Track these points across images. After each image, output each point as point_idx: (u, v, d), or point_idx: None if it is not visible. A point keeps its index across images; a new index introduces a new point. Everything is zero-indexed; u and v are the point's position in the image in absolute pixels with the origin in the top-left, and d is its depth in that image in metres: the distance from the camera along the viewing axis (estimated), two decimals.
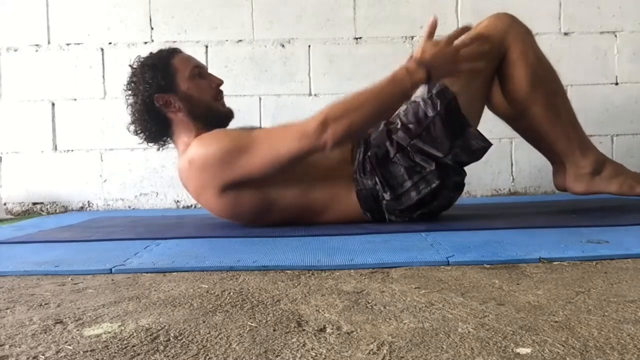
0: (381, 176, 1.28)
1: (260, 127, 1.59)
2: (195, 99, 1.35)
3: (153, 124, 1.36)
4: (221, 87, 1.41)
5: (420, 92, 1.30)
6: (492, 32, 1.27)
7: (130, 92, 1.36)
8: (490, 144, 1.31)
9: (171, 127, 1.37)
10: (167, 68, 1.34)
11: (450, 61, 1.19)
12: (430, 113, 1.26)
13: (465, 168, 1.37)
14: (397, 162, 1.27)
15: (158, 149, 1.45)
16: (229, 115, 1.41)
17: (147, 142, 1.40)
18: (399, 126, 1.30)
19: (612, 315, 0.59)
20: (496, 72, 1.33)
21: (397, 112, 1.35)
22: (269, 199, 1.30)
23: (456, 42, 1.21)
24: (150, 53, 1.39)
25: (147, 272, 0.90)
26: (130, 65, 1.38)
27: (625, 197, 1.41)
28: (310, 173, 1.29)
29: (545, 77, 1.31)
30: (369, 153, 1.31)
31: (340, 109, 1.19)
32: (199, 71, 1.38)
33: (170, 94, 1.33)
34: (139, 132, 1.37)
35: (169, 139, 1.41)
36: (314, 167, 1.31)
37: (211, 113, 1.36)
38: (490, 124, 2.00)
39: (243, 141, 1.23)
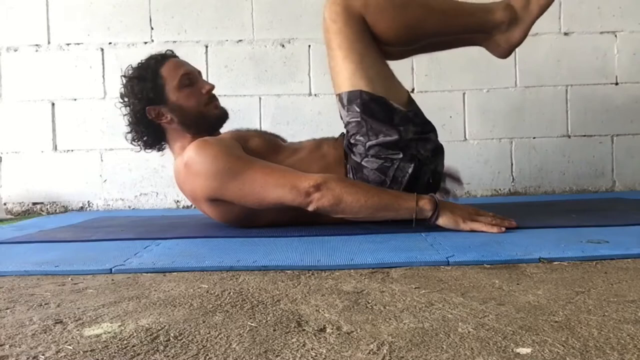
0: (364, 181, 1.29)
1: (259, 130, 1.58)
2: (185, 108, 1.35)
3: (147, 134, 1.38)
4: (214, 91, 1.41)
5: (340, 111, 1.34)
6: (339, 18, 1.26)
7: (123, 103, 1.37)
8: (414, 104, 1.32)
9: (165, 136, 1.40)
10: (155, 79, 1.34)
11: (461, 215, 1.17)
12: (358, 118, 1.28)
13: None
14: (369, 167, 1.29)
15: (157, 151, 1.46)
16: (222, 117, 1.41)
17: (144, 149, 1.42)
18: (351, 142, 1.32)
19: (612, 315, 0.59)
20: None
21: (345, 134, 1.36)
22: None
23: (482, 214, 1.20)
24: (140, 62, 1.38)
25: (147, 272, 0.90)
26: (122, 76, 1.38)
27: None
28: (310, 172, 1.29)
29: (405, 4, 1.29)
30: (348, 162, 1.33)
31: (339, 183, 1.19)
32: (188, 79, 1.36)
33: (160, 106, 1.34)
34: (135, 140, 1.39)
35: (165, 144, 1.43)
36: (309, 166, 1.31)
37: (203, 119, 1.36)
38: (490, 124, 2.02)
39: (238, 167, 1.22)
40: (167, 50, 1.45)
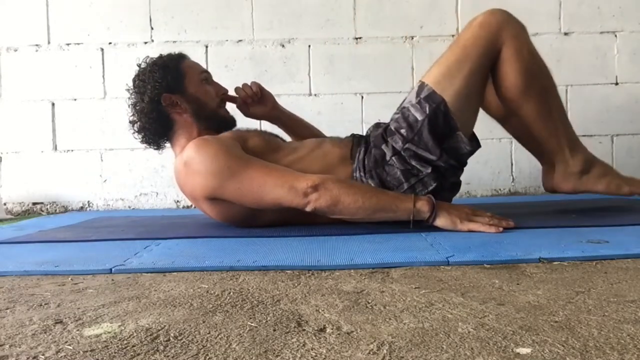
0: (378, 178, 1.29)
1: (259, 130, 1.58)
2: (202, 102, 1.39)
3: (155, 123, 1.37)
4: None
5: (410, 97, 1.31)
6: (487, 29, 1.26)
7: (136, 89, 1.37)
8: (478, 146, 1.31)
9: (172, 128, 1.38)
10: (177, 70, 1.38)
11: (458, 216, 1.17)
12: (420, 117, 1.27)
13: (465, 168, 1.37)
14: (393, 165, 1.28)
15: (156, 149, 1.45)
16: (232, 122, 1.45)
17: (146, 142, 1.40)
18: (392, 130, 1.31)
19: (612, 315, 0.59)
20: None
21: (391, 117, 1.36)
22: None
23: (479, 214, 1.20)
24: (161, 55, 1.41)
25: (147, 272, 0.90)
26: (138, 65, 1.40)
27: (612, 196, 1.42)
28: (310, 171, 1.29)
29: (538, 75, 1.30)
30: (367, 153, 1.31)
31: (337, 183, 1.19)
32: (206, 77, 1.43)
33: (177, 95, 1.36)
34: (139, 130, 1.38)
35: (166, 141, 1.42)
36: (310, 164, 1.31)
37: (216, 117, 1.41)
38: (490, 125, 2.01)
39: (237, 166, 1.22)
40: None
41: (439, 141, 1.26)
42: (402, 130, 1.28)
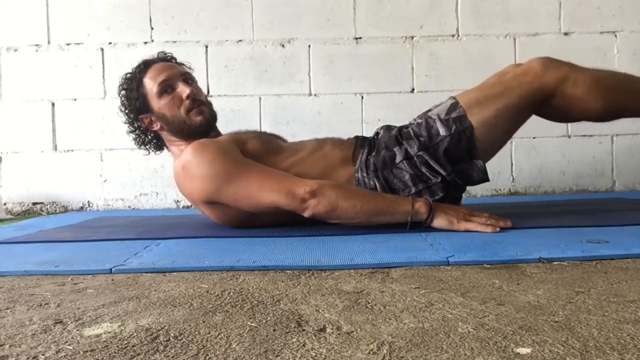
0: (383, 179, 1.28)
1: (259, 132, 1.57)
2: (168, 117, 1.35)
3: (146, 139, 1.42)
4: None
5: (438, 110, 1.31)
6: (532, 76, 1.26)
7: (121, 111, 1.42)
8: (487, 180, 1.30)
9: (162, 139, 1.43)
10: (139, 89, 1.36)
11: (455, 216, 1.18)
12: (443, 133, 1.27)
13: None
14: (402, 168, 1.28)
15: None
16: (205, 124, 1.36)
17: (146, 151, 1.46)
18: (411, 134, 1.30)
19: (612, 315, 0.59)
20: (541, 107, 1.29)
21: (410, 122, 1.36)
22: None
23: (476, 214, 1.20)
24: (126, 73, 1.41)
25: (147, 272, 0.90)
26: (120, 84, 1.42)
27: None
28: (311, 173, 1.29)
29: (610, 87, 1.29)
30: (375, 154, 1.31)
31: (335, 189, 1.18)
32: (167, 85, 1.34)
33: (148, 114, 1.37)
34: (137, 144, 1.44)
35: (165, 147, 1.46)
36: (311, 167, 1.31)
37: (186, 127, 1.35)
38: None
39: (235, 171, 1.22)
40: (160, 52, 1.45)
41: (451, 160, 1.26)
42: (421, 138, 1.28)
